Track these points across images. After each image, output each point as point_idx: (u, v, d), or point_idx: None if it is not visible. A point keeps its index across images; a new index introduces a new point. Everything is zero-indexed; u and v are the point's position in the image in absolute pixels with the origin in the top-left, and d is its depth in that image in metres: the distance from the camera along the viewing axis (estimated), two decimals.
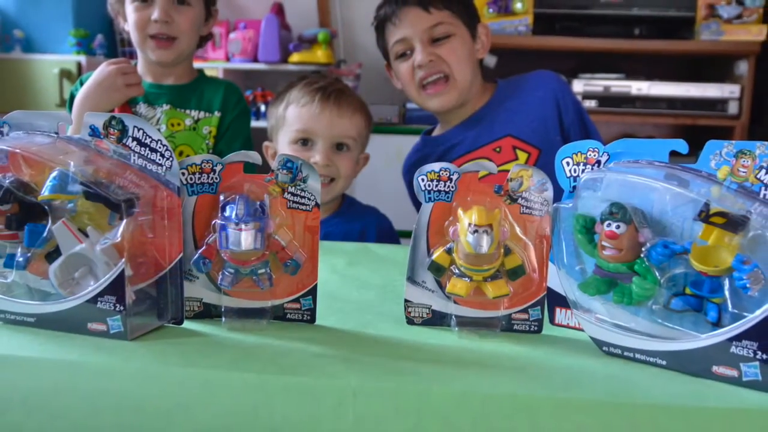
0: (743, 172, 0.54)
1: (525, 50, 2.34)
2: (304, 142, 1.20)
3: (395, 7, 1.24)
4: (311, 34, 2.60)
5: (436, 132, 1.35)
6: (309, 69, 2.63)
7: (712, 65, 2.42)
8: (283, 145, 1.21)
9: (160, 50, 1.29)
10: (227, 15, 2.72)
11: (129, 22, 1.29)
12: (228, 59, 2.63)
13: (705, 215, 0.54)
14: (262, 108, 2.57)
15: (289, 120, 1.20)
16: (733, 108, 2.24)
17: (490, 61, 2.28)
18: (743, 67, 2.23)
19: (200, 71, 1.44)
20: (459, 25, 1.24)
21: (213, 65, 2.56)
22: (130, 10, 1.28)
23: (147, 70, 1.35)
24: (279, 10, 2.67)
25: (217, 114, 1.36)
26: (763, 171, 0.54)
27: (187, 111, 1.35)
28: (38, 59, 2.49)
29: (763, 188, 0.54)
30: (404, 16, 1.23)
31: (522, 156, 1.23)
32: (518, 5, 2.29)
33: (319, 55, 2.58)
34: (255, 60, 2.61)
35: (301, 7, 2.78)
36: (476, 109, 1.28)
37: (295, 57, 2.58)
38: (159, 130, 1.28)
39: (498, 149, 1.24)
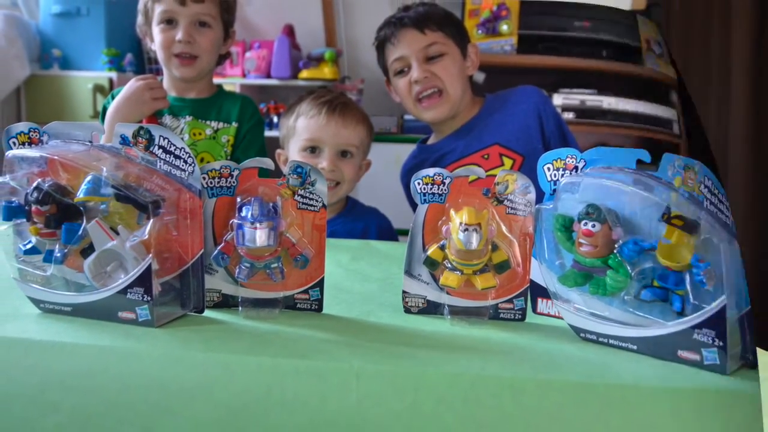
0: (691, 183, 0.55)
1: (510, 67, 2.34)
2: (313, 149, 1.20)
3: (394, 29, 1.25)
4: (319, 53, 2.61)
5: (431, 141, 1.35)
6: (317, 84, 2.62)
7: (659, 89, 2.43)
8: (293, 152, 1.22)
9: (183, 67, 1.29)
10: (243, 36, 2.71)
11: (156, 42, 1.30)
12: (244, 75, 2.63)
13: (667, 217, 0.54)
14: (275, 119, 2.56)
15: (299, 130, 1.20)
16: (676, 128, 2.25)
17: (479, 77, 2.23)
18: (675, 96, 2.27)
19: (219, 86, 1.44)
20: (451, 45, 1.24)
21: (231, 81, 2.56)
22: (156, 31, 1.28)
23: (172, 85, 1.35)
24: (290, 32, 2.68)
25: (234, 125, 1.35)
26: (703, 185, 0.54)
27: (208, 122, 1.35)
28: (74, 76, 2.49)
29: (705, 200, 0.54)
30: (402, 37, 1.23)
31: (507, 162, 1.24)
32: (504, 27, 2.30)
33: (326, 71, 2.59)
34: (268, 76, 2.62)
35: (310, 29, 2.78)
36: (466, 121, 1.28)
37: (304, 73, 2.59)
38: (182, 139, 1.28)
39: (486, 156, 1.24)
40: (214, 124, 1.36)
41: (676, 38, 2.38)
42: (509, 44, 2.30)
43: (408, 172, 1.33)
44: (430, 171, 0.65)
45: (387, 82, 1.34)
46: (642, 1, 2.47)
